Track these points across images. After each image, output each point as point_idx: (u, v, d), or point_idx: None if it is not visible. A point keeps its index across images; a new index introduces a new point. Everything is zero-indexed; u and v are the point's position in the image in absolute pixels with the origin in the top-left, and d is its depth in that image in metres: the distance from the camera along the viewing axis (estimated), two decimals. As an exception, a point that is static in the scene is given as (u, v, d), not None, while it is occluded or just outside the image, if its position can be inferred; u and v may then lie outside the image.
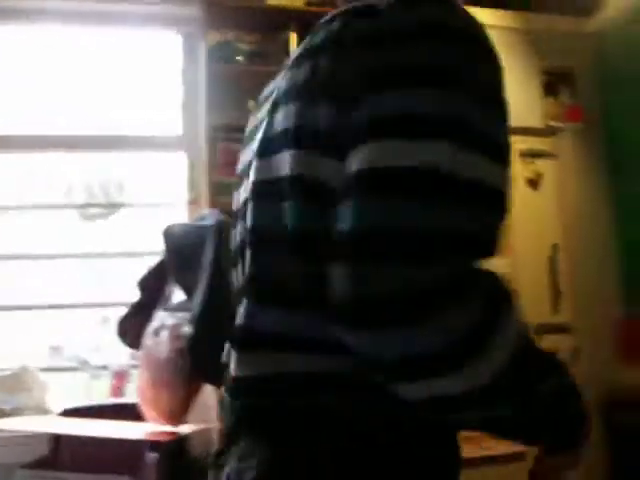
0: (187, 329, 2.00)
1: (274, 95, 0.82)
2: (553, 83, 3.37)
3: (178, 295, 2.18)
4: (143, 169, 2.95)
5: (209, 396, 2.37)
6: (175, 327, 2.03)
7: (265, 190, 0.78)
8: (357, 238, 0.62)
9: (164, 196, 2.93)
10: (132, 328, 2.29)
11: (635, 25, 3.10)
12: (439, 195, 0.62)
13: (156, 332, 2.10)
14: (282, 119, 0.76)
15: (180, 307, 2.14)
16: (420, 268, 0.60)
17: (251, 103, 2.67)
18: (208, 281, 2.04)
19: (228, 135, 2.62)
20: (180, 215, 2.79)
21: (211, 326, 1.98)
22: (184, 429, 2.11)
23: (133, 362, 2.55)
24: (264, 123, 0.81)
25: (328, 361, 0.69)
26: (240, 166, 0.92)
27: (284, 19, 2.75)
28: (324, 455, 0.67)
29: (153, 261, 2.40)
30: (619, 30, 3.24)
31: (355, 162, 0.65)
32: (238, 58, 2.78)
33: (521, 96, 3.23)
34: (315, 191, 0.70)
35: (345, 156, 0.66)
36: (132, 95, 2.94)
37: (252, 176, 0.80)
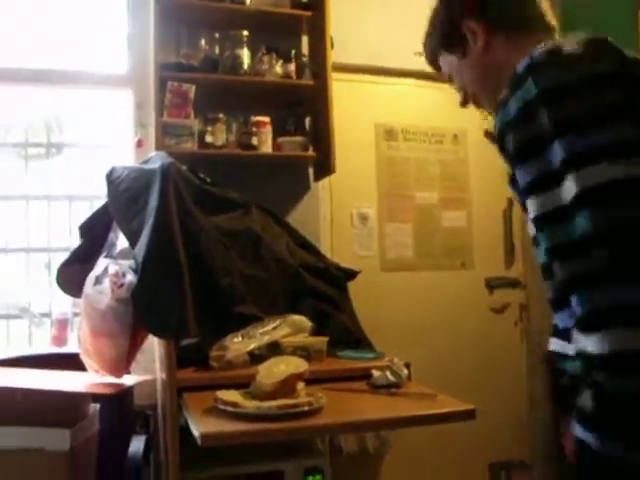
0: (131, 277, 1.92)
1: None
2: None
3: (122, 242, 2.08)
4: (87, 107, 2.78)
5: (154, 346, 2.31)
6: (118, 275, 1.94)
7: None
8: None
9: (109, 137, 2.78)
10: (72, 275, 2.19)
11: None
12: None
13: (98, 280, 2.01)
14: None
15: (123, 254, 2.05)
16: None
17: (203, 40, 2.52)
18: (153, 228, 1.95)
19: (178, 74, 2.47)
20: (125, 157, 2.65)
21: (156, 274, 1.90)
22: (127, 380, 2.04)
23: (76, 310, 2.45)
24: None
25: None
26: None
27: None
28: None
29: (96, 205, 2.30)
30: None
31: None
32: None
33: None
34: None
35: None
36: (76, 27, 2.75)
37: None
